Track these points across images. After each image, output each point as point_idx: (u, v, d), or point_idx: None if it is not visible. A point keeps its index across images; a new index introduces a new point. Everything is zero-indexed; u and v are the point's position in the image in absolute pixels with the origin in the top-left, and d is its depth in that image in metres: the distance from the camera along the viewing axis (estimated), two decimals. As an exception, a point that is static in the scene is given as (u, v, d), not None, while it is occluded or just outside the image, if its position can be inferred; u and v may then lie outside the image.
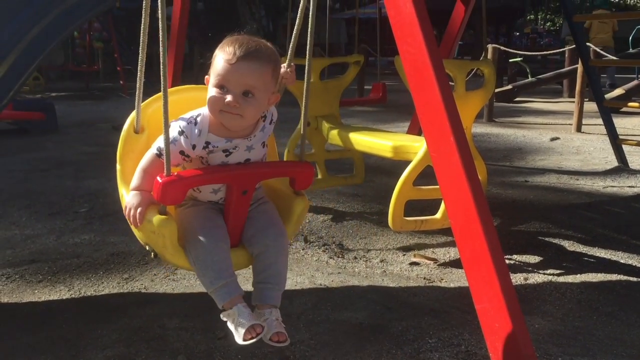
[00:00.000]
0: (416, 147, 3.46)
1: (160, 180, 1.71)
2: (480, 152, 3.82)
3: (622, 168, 5.94)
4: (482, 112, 9.17)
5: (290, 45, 1.97)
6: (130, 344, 2.52)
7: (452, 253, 3.62)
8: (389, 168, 5.35)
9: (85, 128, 8.76)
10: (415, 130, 5.13)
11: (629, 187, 5.31)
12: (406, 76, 2.56)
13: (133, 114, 1.97)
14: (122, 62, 14.02)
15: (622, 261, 3.53)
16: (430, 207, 3.80)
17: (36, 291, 3.11)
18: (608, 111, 5.99)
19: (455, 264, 3.44)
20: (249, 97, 1.78)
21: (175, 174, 1.76)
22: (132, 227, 1.90)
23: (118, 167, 2.01)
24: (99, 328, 2.66)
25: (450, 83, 2.95)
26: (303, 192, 2.04)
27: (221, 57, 1.78)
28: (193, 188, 1.89)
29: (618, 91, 9.90)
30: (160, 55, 1.67)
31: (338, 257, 3.62)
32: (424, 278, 3.30)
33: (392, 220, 3.35)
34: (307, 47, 1.96)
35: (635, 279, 3.28)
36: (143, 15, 1.77)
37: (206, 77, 1.85)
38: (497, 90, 10.87)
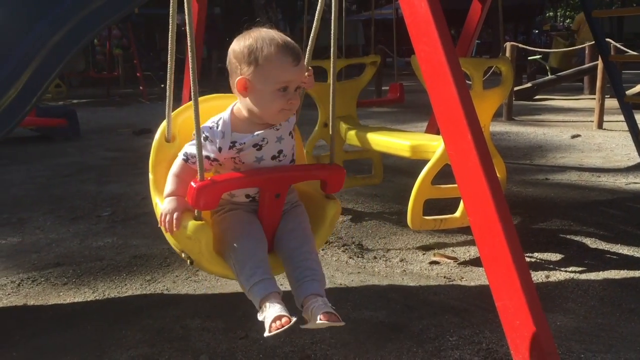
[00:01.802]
0: (434, 146, 3.45)
1: (194, 185, 1.72)
2: (500, 150, 3.81)
3: (645, 164, 5.87)
4: (501, 110, 9.11)
5: (308, 49, 1.98)
6: (154, 344, 2.55)
7: (472, 252, 3.61)
8: (408, 168, 5.34)
9: (107, 134, 8.88)
10: (433, 129, 5.11)
11: (652, 183, 5.24)
12: (422, 75, 2.57)
13: (164, 124, 1.99)
14: (142, 68, 14.20)
15: (645, 258, 3.50)
16: (449, 206, 3.80)
17: (61, 293, 3.16)
18: (629, 107, 5.89)
19: (476, 262, 3.43)
20: (298, 91, 1.87)
21: (209, 178, 1.78)
22: (167, 236, 1.89)
23: (150, 176, 2.02)
24: (122, 329, 2.70)
25: (468, 82, 2.96)
26: (335, 195, 2.05)
27: (280, 60, 1.79)
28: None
29: (639, 87, 9.76)
30: (189, 60, 1.70)
31: (357, 257, 3.63)
32: (444, 277, 3.29)
33: (411, 219, 3.35)
34: (332, 49, 1.96)
35: (659, 276, 3.24)
36: (170, 22, 1.78)
37: (238, 79, 1.83)
38: (516, 88, 10.79)
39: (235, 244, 1.83)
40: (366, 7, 25.41)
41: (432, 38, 2.44)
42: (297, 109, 1.94)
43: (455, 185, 2.58)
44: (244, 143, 1.84)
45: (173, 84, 1.89)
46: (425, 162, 3.43)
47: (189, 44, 1.69)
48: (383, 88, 11.88)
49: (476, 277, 3.26)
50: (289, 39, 1.86)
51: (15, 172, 6.20)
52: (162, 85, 13.85)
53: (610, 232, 3.95)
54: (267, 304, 1.72)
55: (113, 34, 15.64)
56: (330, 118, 2.08)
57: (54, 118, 8.20)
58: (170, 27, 1.80)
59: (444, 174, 3.29)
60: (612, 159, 6.26)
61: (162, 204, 1.87)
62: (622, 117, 6.01)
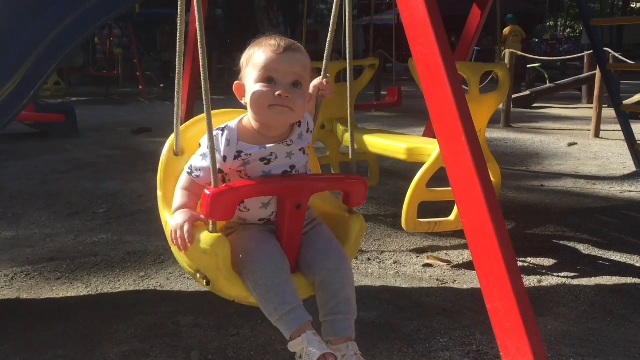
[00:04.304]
0: (430, 149, 3.47)
1: (209, 192, 1.57)
2: (496, 156, 3.82)
3: (640, 173, 5.89)
4: (499, 117, 9.14)
5: (325, 55, 1.86)
6: (145, 340, 2.56)
7: (466, 255, 3.62)
8: (404, 172, 5.35)
9: (105, 132, 8.89)
10: (430, 133, 5.13)
11: (647, 192, 5.26)
12: (419, 77, 2.58)
13: (172, 137, 1.87)
14: (142, 68, 14.21)
15: (637, 265, 3.50)
16: (444, 209, 3.81)
17: (54, 288, 3.16)
18: (626, 116, 5.94)
19: (469, 266, 3.44)
20: (298, 88, 1.70)
21: (225, 185, 1.64)
22: (178, 255, 1.73)
23: (159, 193, 1.86)
24: (114, 324, 2.70)
25: (465, 88, 2.97)
26: (357, 210, 1.93)
27: (264, 51, 1.70)
28: (240, 207, 1.74)
29: (637, 97, 9.80)
30: (200, 64, 1.58)
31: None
32: (437, 279, 3.30)
33: (405, 221, 3.36)
34: (347, 50, 1.89)
35: (651, 283, 3.25)
36: (178, 26, 1.68)
37: (236, 82, 1.77)
38: (515, 95, 10.82)
39: (253, 264, 1.65)
40: (367, 12, 25.46)
41: (429, 40, 2.45)
42: (300, 109, 1.73)
43: (450, 188, 2.59)
44: (250, 155, 1.70)
45: (181, 101, 1.78)
46: (421, 165, 3.44)
47: (199, 44, 1.60)
48: (382, 93, 11.90)
49: (469, 280, 3.27)
50: (286, 38, 1.75)
51: (12, 168, 6.19)
52: (162, 85, 13.93)
53: (604, 239, 3.96)
54: (304, 338, 1.60)
55: (114, 33, 15.65)
56: (349, 123, 1.96)
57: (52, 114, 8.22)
58: (178, 31, 1.71)
59: (439, 179, 3.30)
60: (608, 167, 6.28)
61: (172, 219, 1.70)
62: (619, 127, 6.06)
